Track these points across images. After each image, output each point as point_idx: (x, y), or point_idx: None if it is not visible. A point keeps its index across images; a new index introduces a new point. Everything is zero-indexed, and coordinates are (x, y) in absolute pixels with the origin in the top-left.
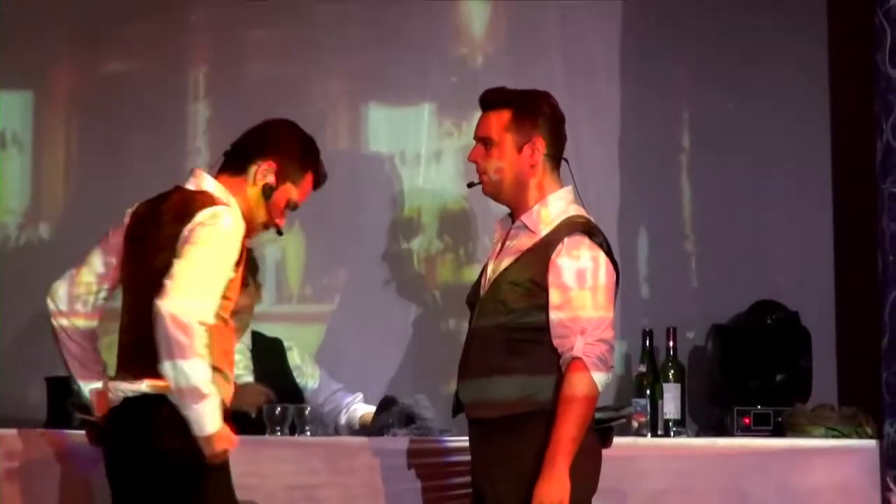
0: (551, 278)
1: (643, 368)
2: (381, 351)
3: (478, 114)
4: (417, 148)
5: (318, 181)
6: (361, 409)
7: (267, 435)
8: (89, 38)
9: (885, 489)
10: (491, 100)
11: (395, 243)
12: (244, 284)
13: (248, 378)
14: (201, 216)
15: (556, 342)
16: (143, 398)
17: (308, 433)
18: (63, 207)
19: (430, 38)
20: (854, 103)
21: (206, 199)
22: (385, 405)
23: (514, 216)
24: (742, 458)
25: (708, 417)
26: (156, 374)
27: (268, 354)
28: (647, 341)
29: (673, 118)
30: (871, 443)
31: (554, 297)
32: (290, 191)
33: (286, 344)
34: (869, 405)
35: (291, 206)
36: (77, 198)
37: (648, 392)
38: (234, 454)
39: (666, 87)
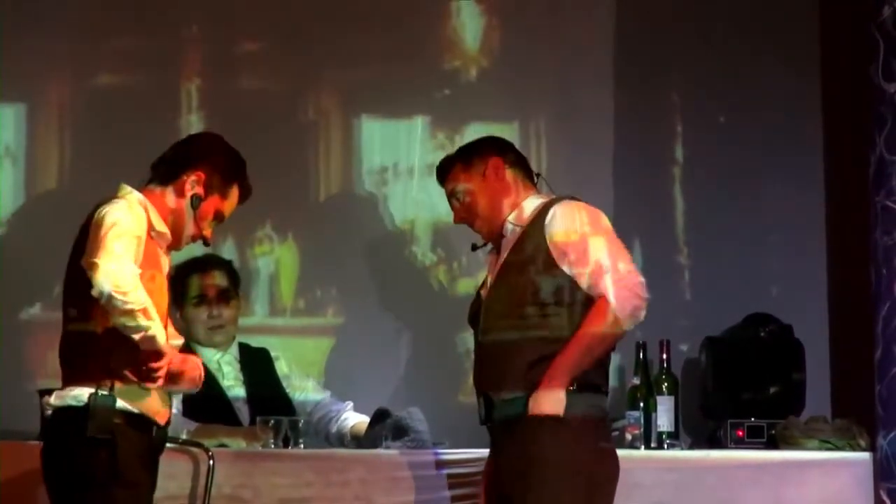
0: (560, 250)
1: (637, 381)
2: (375, 363)
3: (471, 127)
4: (410, 161)
5: (244, 194)
6: (353, 418)
7: (260, 447)
8: (83, 50)
9: (878, 502)
10: (442, 167)
11: (387, 256)
12: (226, 297)
13: (239, 390)
14: (95, 217)
15: (592, 293)
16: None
17: (301, 446)
18: (57, 220)
19: (424, 50)
20: (847, 116)
21: (102, 202)
22: (378, 417)
23: None
24: (736, 470)
25: (701, 430)
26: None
27: (255, 365)
28: (641, 354)
29: (666, 131)
30: (865, 455)
31: (572, 261)
32: (218, 202)
33: (273, 354)
34: (862, 418)
35: (218, 217)
36: (71, 210)
37: (642, 405)
38: (227, 467)
39: (659, 100)
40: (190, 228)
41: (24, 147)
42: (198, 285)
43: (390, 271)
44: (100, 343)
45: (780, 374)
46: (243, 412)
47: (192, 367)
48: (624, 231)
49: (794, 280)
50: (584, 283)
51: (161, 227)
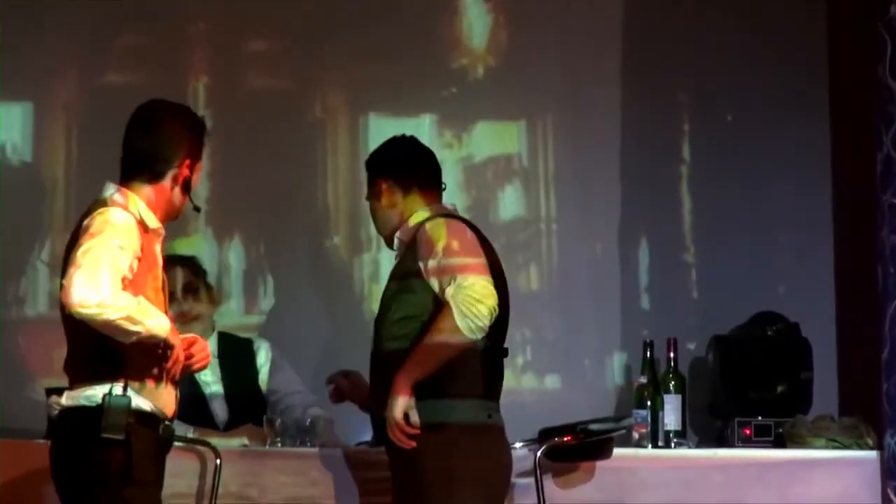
0: (425, 263)
1: (644, 379)
2: None
3: (478, 125)
4: None
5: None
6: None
7: (267, 446)
8: (89, 49)
9: (885, 500)
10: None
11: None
12: (193, 290)
13: (216, 387)
14: (87, 219)
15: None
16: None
17: (308, 444)
18: (64, 219)
19: (431, 49)
20: (854, 114)
21: (94, 205)
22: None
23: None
24: (743, 469)
25: (709, 429)
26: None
27: (234, 357)
28: (648, 352)
29: (673, 130)
30: (872, 454)
31: (430, 274)
32: (198, 167)
33: (255, 344)
34: (869, 416)
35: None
36: (78, 209)
37: (649, 403)
38: (234, 465)
39: (666, 98)
40: (182, 204)
41: (30, 146)
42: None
43: None
44: (109, 342)
45: (788, 372)
46: (220, 410)
47: (200, 348)
48: (631, 229)
49: (802, 278)
50: (439, 293)
51: (154, 223)
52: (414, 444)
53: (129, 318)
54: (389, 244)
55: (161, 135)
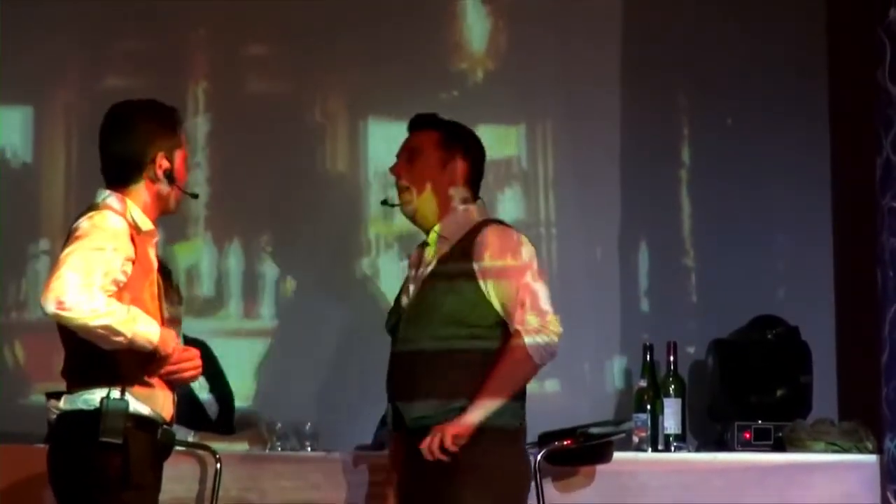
0: (480, 266)
1: (643, 383)
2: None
3: (478, 129)
4: None
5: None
6: None
7: (267, 450)
8: (89, 53)
9: None
10: (419, 121)
11: (396, 259)
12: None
13: (201, 389)
14: (76, 223)
15: (505, 316)
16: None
17: (309, 448)
18: (64, 223)
19: (431, 53)
20: (854, 118)
21: (86, 210)
22: (385, 421)
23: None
24: (742, 473)
25: (708, 432)
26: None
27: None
28: (648, 356)
29: (673, 133)
30: (872, 458)
31: (493, 286)
32: (182, 154)
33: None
34: (869, 420)
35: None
36: (78, 213)
37: (649, 407)
38: (234, 469)
39: (666, 102)
40: (176, 195)
41: (30, 150)
42: None
43: (399, 274)
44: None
45: (787, 376)
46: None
47: (190, 357)
48: (631, 233)
49: (801, 282)
50: (501, 309)
51: (147, 224)
52: (444, 456)
53: (107, 327)
54: (419, 221)
55: (131, 134)
